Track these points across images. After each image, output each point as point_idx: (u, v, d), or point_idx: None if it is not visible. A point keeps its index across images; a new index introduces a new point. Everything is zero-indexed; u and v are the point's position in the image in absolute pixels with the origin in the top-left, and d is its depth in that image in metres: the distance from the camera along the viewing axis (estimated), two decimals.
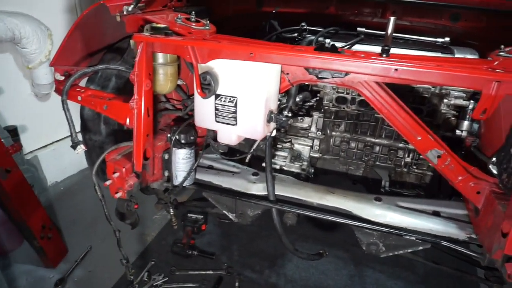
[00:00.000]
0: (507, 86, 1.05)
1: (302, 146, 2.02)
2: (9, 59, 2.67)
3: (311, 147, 2.01)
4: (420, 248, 1.59)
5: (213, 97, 1.43)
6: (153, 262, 2.35)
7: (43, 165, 3.02)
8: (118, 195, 1.49)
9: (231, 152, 2.00)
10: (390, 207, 1.61)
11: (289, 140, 2.02)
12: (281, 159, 1.99)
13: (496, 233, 1.23)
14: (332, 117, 2.00)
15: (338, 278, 2.31)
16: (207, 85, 1.37)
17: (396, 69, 1.14)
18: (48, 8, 2.74)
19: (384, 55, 1.24)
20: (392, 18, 1.22)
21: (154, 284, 2.17)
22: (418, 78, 1.14)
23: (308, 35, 1.82)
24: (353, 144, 2.05)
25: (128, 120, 1.45)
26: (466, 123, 1.62)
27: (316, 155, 2.02)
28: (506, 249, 1.12)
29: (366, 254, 1.69)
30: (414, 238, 1.53)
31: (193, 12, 1.61)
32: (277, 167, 1.98)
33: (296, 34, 1.89)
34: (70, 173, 3.29)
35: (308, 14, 2.07)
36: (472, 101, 1.63)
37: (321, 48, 1.28)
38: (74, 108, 1.73)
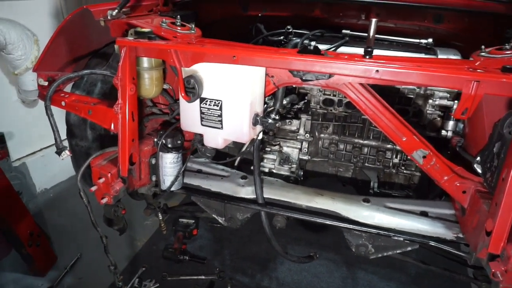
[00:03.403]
0: (486, 86, 1.06)
1: (291, 149, 2.01)
2: None
3: (300, 149, 2.01)
4: (409, 248, 1.59)
5: (198, 100, 1.43)
6: (144, 268, 2.32)
7: (31, 172, 2.99)
8: (104, 200, 1.48)
9: (221, 156, 1.99)
10: (378, 208, 1.61)
11: (278, 143, 2.01)
12: (270, 162, 1.98)
13: (481, 232, 1.23)
14: (320, 119, 2.01)
15: (330, 280, 2.31)
16: (191, 89, 1.37)
17: (377, 70, 1.15)
18: (34, 14, 2.73)
19: (367, 57, 1.25)
20: (373, 20, 1.23)
21: None
22: (399, 79, 1.15)
23: (294, 38, 1.83)
24: (341, 146, 2.05)
25: (112, 125, 1.44)
26: (451, 123, 1.63)
27: (305, 157, 2.02)
28: (490, 248, 1.13)
29: (356, 255, 1.69)
30: (402, 239, 1.53)
31: (179, 16, 1.61)
32: (266, 170, 1.97)
33: (282, 37, 1.90)
34: (60, 179, 3.26)
35: (294, 17, 2.08)
36: (456, 102, 1.65)
37: (304, 50, 1.29)
38: (60, 114, 1.72)
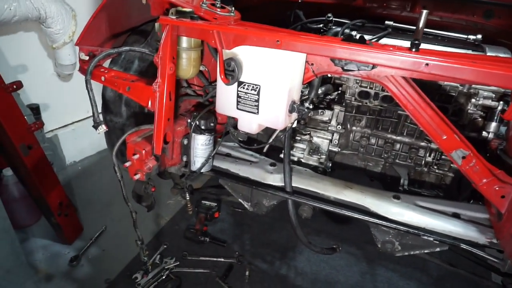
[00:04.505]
0: None
1: (321, 140, 1.99)
2: (34, 38, 2.72)
3: (330, 140, 1.99)
4: (437, 249, 1.56)
5: (235, 84, 1.42)
6: (165, 246, 2.38)
7: (62, 144, 3.09)
8: (137, 176, 1.50)
9: (248, 142, 1.99)
10: (408, 205, 1.58)
11: (308, 132, 1.99)
12: (299, 151, 1.97)
13: None
14: (354, 111, 1.97)
15: (349, 274, 2.30)
16: (231, 72, 1.36)
17: (427, 64, 1.11)
18: None
19: (414, 50, 1.20)
20: (424, 11, 1.18)
21: (166, 267, 2.20)
22: (449, 74, 1.10)
23: (334, 27, 1.79)
24: (373, 140, 2.01)
25: (150, 103, 1.45)
26: (493, 125, 1.57)
27: (335, 149, 2.00)
28: None
29: (380, 252, 1.67)
30: (432, 239, 1.50)
31: None
32: (295, 159, 1.96)
33: (321, 25, 1.86)
34: (88, 154, 3.35)
35: (335, 5, 2.02)
36: (501, 102, 1.58)
37: (349, 39, 1.25)
38: (96, 89, 1.75)
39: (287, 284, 2.20)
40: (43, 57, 2.80)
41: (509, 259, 1.27)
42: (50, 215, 2.30)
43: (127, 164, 1.49)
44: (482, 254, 1.47)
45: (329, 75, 1.85)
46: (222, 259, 2.32)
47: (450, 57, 1.12)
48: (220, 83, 1.45)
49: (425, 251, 1.58)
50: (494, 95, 1.59)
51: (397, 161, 1.99)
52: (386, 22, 1.76)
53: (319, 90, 1.61)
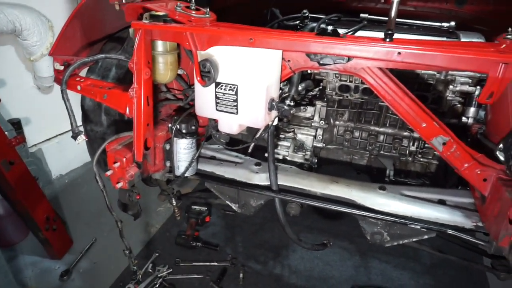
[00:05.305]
0: None
1: (305, 136, 1.99)
2: (11, 51, 2.68)
3: (314, 136, 1.99)
4: (425, 237, 1.57)
5: (213, 85, 1.41)
6: (157, 254, 2.35)
7: (47, 158, 3.04)
8: (119, 185, 1.48)
9: (233, 143, 1.98)
10: (394, 196, 1.59)
11: (292, 130, 1.99)
12: (284, 149, 1.97)
13: (503, 220, 1.20)
14: (336, 106, 1.97)
15: (343, 269, 2.30)
16: (207, 73, 1.35)
17: (399, 53, 1.11)
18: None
19: (387, 40, 1.21)
20: (395, 1, 1.18)
21: (159, 275, 2.18)
22: (422, 62, 1.11)
23: (310, 22, 1.79)
24: (357, 133, 2.02)
25: (128, 109, 1.43)
26: (472, 110, 1.59)
27: (320, 145, 2.00)
28: None
29: (371, 244, 1.67)
30: (419, 227, 1.51)
31: (193, 0, 1.58)
32: (280, 157, 1.96)
33: (298, 22, 1.86)
34: (74, 166, 3.30)
35: (310, 1, 2.03)
36: (478, 87, 1.60)
37: (322, 33, 1.25)
38: (76, 99, 1.72)
39: (282, 283, 2.19)
40: (21, 70, 2.76)
41: (494, 241, 1.27)
42: (38, 231, 2.26)
43: (109, 172, 1.47)
44: (469, 238, 1.48)
45: (308, 71, 1.85)
46: (216, 263, 2.30)
47: (421, 44, 1.13)
48: (197, 85, 1.44)
49: (414, 240, 1.59)
50: (471, 81, 1.61)
51: (382, 152, 2.00)
52: (361, 15, 1.77)
53: (299, 86, 1.60)
